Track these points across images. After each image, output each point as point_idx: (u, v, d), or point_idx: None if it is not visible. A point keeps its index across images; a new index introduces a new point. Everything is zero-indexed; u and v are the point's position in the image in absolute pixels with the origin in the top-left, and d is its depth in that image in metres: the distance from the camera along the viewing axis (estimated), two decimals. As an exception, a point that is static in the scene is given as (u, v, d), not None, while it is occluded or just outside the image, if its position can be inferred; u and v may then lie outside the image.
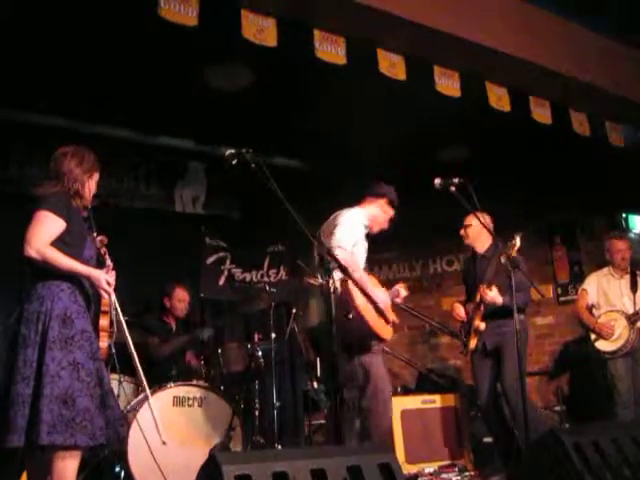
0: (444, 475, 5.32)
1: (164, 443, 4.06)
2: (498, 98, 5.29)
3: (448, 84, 5.05)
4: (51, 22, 4.61)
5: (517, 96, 5.38)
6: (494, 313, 4.97)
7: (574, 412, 6.60)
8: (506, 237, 4.56)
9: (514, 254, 4.43)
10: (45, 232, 3.21)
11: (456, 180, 4.32)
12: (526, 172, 6.72)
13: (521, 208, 7.17)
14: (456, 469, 5.49)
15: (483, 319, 5.01)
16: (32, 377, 3.08)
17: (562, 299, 7.56)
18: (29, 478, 3.29)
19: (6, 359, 3.21)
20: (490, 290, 4.93)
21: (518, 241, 4.39)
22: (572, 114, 5.71)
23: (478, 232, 5.20)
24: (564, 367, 7.25)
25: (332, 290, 3.21)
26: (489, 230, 4.99)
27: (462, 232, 5.36)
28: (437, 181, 4.37)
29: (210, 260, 7.17)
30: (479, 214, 4.82)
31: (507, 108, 5.30)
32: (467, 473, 5.42)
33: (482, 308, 4.99)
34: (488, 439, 5.81)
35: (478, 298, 5.01)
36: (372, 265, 8.25)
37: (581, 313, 5.92)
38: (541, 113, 5.51)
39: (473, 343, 5.07)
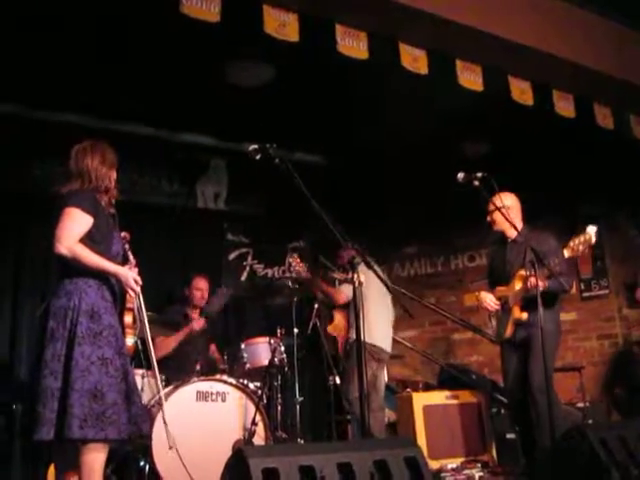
0: (466, 471, 5.28)
1: (170, 448, 4.04)
2: (521, 92, 5.26)
3: (471, 78, 5.03)
4: (73, 19, 4.65)
5: (540, 90, 5.34)
6: (528, 304, 4.71)
7: (598, 409, 6.56)
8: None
9: (584, 249, 4.27)
10: (74, 229, 3.22)
11: (479, 174, 4.28)
12: (549, 167, 6.68)
13: (543, 203, 7.12)
14: (479, 465, 5.45)
15: (523, 309, 4.77)
16: (61, 371, 3.10)
17: (585, 295, 7.49)
18: (57, 471, 3.32)
19: (34, 353, 3.24)
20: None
21: (593, 237, 4.21)
22: (596, 107, 5.67)
23: (512, 216, 4.87)
24: (588, 363, 7.19)
25: (357, 284, 3.22)
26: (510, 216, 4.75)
27: (489, 218, 4.98)
28: (460, 175, 4.32)
29: (232, 256, 7.19)
30: (506, 195, 4.75)
31: (530, 102, 5.27)
32: (490, 469, 5.38)
33: (520, 296, 4.78)
34: (511, 435, 5.77)
35: (517, 285, 4.77)
36: (392, 261, 8.26)
37: None
38: (565, 107, 5.47)
39: (510, 332, 4.85)
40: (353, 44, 4.53)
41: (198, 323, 5.62)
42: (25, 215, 6.08)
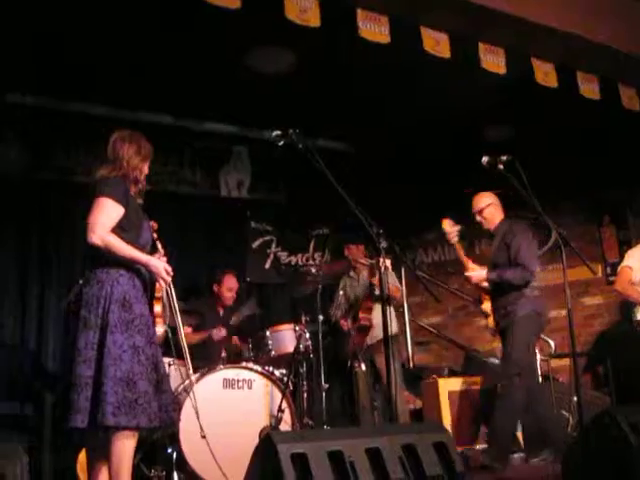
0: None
1: (203, 437, 4.07)
2: (545, 74, 5.18)
3: (493, 61, 4.97)
4: (95, 12, 4.66)
5: (564, 72, 5.27)
6: (496, 291, 4.89)
7: (625, 394, 6.49)
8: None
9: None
10: (107, 219, 3.24)
11: (504, 157, 4.25)
12: (574, 151, 6.61)
13: (569, 187, 7.05)
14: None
15: (492, 299, 4.97)
16: (94, 359, 3.13)
17: (611, 279, 7.39)
18: (88, 457, 3.36)
19: (64, 342, 3.27)
20: (472, 270, 4.94)
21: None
22: (621, 89, 5.58)
23: (493, 212, 5.03)
24: (613, 348, 7.12)
25: (382, 269, 3.21)
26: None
27: (479, 218, 5.05)
28: (485, 159, 4.30)
29: (256, 244, 7.21)
30: (484, 194, 4.91)
31: (554, 84, 5.20)
32: (515, 455, 5.36)
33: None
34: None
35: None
36: (415, 247, 8.22)
37: (629, 289, 5.78)
38: (589, 88, 5.38)
39: (490, 322, 5.02)
40: (374, 29, 4.48)
41: (218, 333, 5.64)
42: (51, 205, 6.15)
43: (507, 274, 4.73)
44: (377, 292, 5.16)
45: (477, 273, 4.96)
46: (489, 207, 5.01)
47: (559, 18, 4.95)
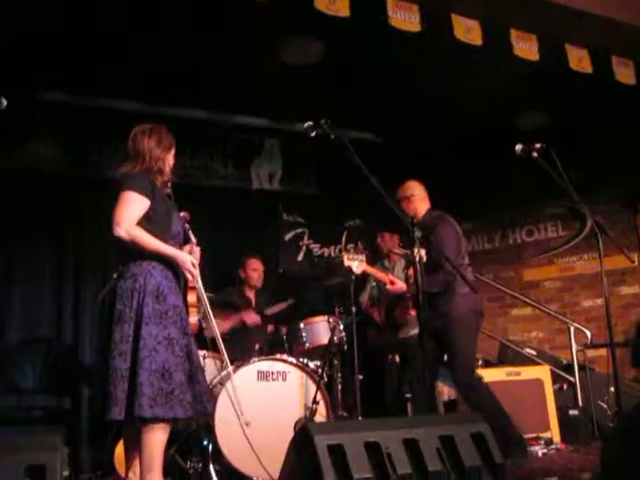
0: (530, 448, 5.22)
1: (247, 424, 4.08)
2: (579, 60, 5.11)
3: (526, 47, 4.90)
4: (127, 9, 4.69)
5: (598, 57, 5.18)
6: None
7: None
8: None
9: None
10: (132, 212, 3.25)
11: (538, 145, 4.18)
12: (608, 139, 6.50)
13: (602, 174, 6.95)
14: (542, 442, 5.38)
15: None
16: (129, 352, 3.15)
17: (649, 267, 7.30)
18: (126, 449, 3.38)
19: (100, 336, 3.30)
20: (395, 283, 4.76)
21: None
22: (658, 73, 5.47)
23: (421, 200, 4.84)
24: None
25: (418, 259, 3.19)
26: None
27: (405, 206, 4.75)
28: (518, 147, 4.23)
29: (288, 236, 7.22)
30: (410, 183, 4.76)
31: (588, 70, 5.12)
32: (553, 446, 5.30)
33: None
34: (574, 412, 5.68)
35: None
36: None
37: None
38: (624, 73, 5.29)
39: None
40: (405, 17, 4.44)
41: (250, 317, 5.65)
42: (85, 201, 6.21)
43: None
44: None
45: (398, 286, 4.74)
46: (409, 198, 4.79)
47: (591, 1, 4.87)
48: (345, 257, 4.64)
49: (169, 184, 3.53)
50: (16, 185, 5.90)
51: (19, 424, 5.33)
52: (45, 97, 6.00)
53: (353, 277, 5.19)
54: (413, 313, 5.62)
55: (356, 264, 4.60)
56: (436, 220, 4.68)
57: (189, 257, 3.42)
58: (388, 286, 4.73)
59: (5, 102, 2.89)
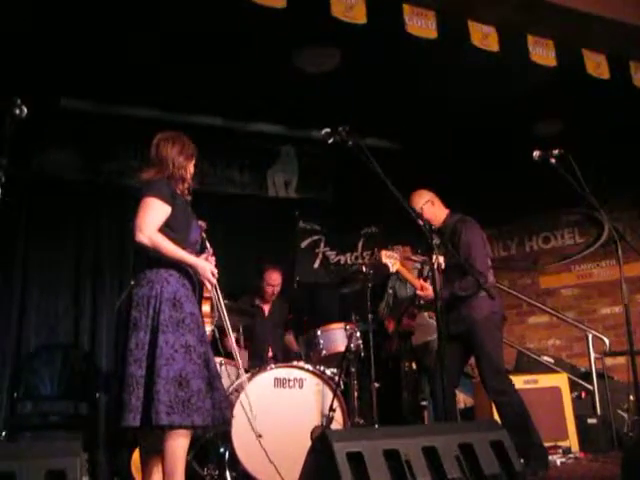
0: (548, 457, 5.18)
1: (260, 436, 4.07)
2: (596, 65, 5.08)
3: (543, 53, 4.89)
4: (145, 17, 4.72)
5: (616, 62, 5.16)
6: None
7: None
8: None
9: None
10: (154, 218, 3.26)
11: (556, 152, 4.16)
12: (626, 144, 6.47)
13: (622, 181, 6.91)
14: (560, 450, 5.34)
15: None
16: (145, 359, 3.15)
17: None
18: (142, 456, 3.38)
19: (117, 343, 3.30)
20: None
21: None
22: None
23: (433, 210, 4.75)
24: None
25: (436, 266, 3.18)
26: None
27: (425, 214, 4.60)
28: (536, 153, 4.21)
29: (304, 244, 7.22)
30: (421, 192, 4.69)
31: (606, 75, 5.09)
32: (572, 455, 5.26)
33: None
34: (593, 420, 5.63)
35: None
36: (465, 245, 8.13)
37: None
38: (643, 79, 5.27)
39: None
40: (421, 24, 4.45)
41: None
42: (104, 208, 6.25)
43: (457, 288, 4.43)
44: (422, 302, 5.06)
45: (430, 292, 4.56)
46: (426, 205, 4.71)
47: (609, 6, 4.84)
48: (383, 254, 4.62)
49: (189, 192, 3.54)
50: (35, 192, 5.96)
51: (37, 430, 5.35)
52: (65, 104, 6.04)
53: (370, 285, 5.20)
54: (419, 321, 5.63)
55: (392, 262, 4.58)
56: (460, 224, 4.66)
57: (209, 266, 3.43)
58: (419, 291, 4.67)
59: (25, 110, 2.90)
